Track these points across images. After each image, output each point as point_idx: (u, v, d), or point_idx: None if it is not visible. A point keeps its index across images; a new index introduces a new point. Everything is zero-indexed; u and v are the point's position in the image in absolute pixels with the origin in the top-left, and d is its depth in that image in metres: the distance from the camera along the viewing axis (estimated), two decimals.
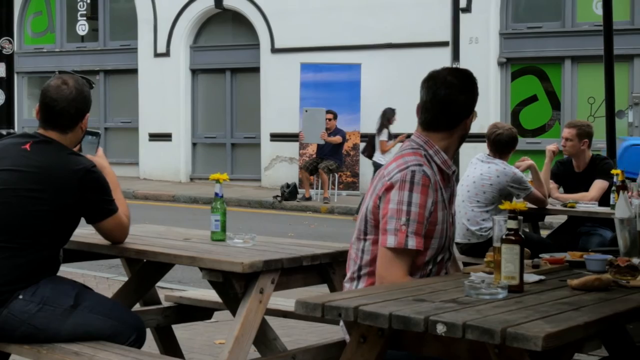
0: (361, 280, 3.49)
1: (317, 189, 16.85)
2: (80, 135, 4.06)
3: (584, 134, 7.13)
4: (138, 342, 3.96)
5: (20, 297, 3.80)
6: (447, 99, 3.48)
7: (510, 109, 17.37)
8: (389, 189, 3.37)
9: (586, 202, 7.01)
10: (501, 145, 6.63)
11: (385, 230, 3.34)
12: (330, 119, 16.51)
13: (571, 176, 7.31)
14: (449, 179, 3.54)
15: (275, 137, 18.96)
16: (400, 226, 3.31)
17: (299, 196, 16.63)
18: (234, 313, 4.04)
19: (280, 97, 18.63)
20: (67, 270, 5.27)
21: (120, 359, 3.67)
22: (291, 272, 4.02)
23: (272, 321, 4.85)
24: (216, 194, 4.41)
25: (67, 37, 22.16)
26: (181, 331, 5.59)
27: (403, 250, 3.31)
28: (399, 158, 3.46)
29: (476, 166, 6.61)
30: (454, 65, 16.96)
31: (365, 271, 3.48)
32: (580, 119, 8.55)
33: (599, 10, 15.32)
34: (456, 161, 3.78)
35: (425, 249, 3.39)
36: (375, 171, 14.25)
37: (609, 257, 3.44)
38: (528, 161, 6.93)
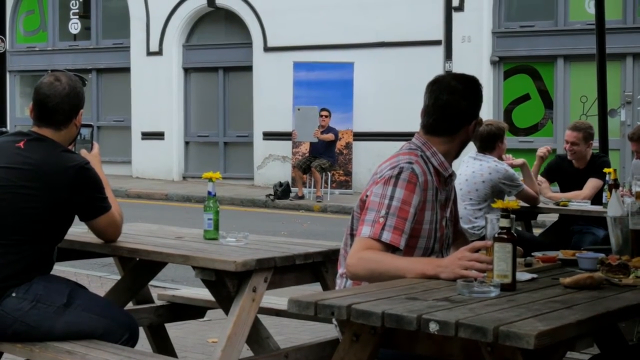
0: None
1: (310, 187, 16.83)
2: (74, 132, 4.05)
3: (589, 136, 7.14)
4: (131, 341, 3.96)
5: (13, 294, 3.80)
6: (449, 104, 3.44)
7: (503, 108, 17.38)
8: (375, 184, 3.35)
9: (579, 200, 7.02)
10: (485, 139, 6.60)
11: (363, 221, 3.30)
12: (325, 116, 16.53)
13: (570, 172, 7.27)
14: (445, 181, 3.52)
15: (268, 135, 18.95)
16: (378, 218, 3.25)
17: (291, 195, 16.61)
18: (226, 312, 4.04)
19: (273, 96, 18.60)
20: (60, 269, 5.27)
21: (113, 357, 3.67)
22: (284, 270, 4.02)
23: (265, 320, 4.85)
24: (209, 193, 4.41)
25: (60, 35, 22.11)
26: (174, 330, 5.59)
27: (377, 242, 3.24)
28: (394, 157, 3.44)
29: (468, 164, 6.62)
30: (447, 65, 17.01)
31: None
32: (579, 120, 8.53)
33: (591, 9, 15.34)
34: None
35: (411, 248, 3.36)
36: None
37: (601, 255, 3.44)
38: (519, 160, 6.93)
